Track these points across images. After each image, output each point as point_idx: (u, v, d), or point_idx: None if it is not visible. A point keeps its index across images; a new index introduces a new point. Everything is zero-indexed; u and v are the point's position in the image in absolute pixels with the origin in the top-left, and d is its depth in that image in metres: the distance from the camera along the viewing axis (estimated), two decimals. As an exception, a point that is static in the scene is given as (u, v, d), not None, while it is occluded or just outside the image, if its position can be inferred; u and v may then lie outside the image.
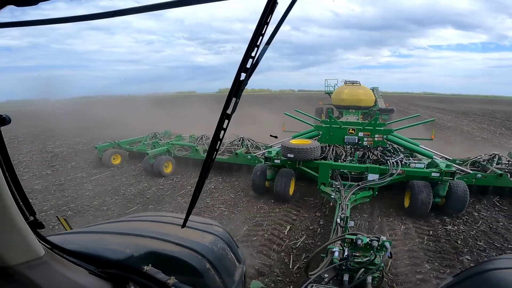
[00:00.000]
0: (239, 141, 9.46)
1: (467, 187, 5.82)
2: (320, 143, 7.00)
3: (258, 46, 0.75)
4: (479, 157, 7.40)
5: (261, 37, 0.74)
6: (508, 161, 7.17)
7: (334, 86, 17.97)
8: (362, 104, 14.51)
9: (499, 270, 1.33)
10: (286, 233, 5.31)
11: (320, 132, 7.40)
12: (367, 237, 2.86)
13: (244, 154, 8.44)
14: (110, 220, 2.53)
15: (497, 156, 7.21)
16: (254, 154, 8.32)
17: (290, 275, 4.19)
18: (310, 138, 7.50)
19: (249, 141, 9.44)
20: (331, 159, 7.10)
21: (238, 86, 0.79)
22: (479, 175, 6.46)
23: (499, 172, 6.44)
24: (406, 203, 6.08)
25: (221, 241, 1.66)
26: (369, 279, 2.64)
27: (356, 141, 7.16)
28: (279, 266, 4.36)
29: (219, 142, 0.90)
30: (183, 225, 1.20)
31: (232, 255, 1.69)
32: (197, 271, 1.38)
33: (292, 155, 6.43)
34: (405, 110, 23.86)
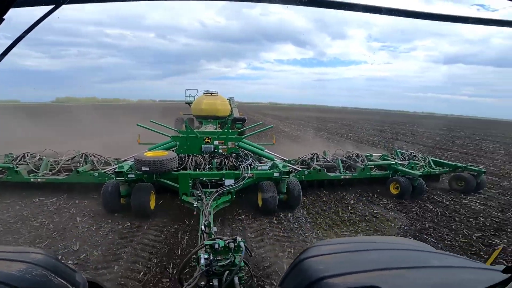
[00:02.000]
0: (81, 157, 8.00)
1: (298, 182, 7.18)
2: (178, 154, 6.91)
3: None
4: (304, 156, 9.36)
5: None
6: (323, 158, 9.48)
7: (194, 96, 18.27)
8: (220, 114, 15.38)
9: (309, 259, 1.48)
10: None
11: (177, 143, 7.33)
12: (225, 240, 3.00)
13: (88, 171, 7.19)
14: None
15: (315, 155, 9.33)
16: (103, 171, 7.24)
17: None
18: (167, 149, 7.28)
19: (94, 156, 8.14)
20: (190, 168, 7.14)
21: None
22: (306, 172, 8.18)
23: (318, 168, 8.40)
24: (260, 202, 6.83)
25: (38, 267, 1.44)
26: (236, 279, 2.76)
27: (213, 149, 7.54)
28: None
29: None
30: None
31: (61, 280, 1.47)
32: None
33: (147, 168, 6.04)
34: (254, 118, 27.08)
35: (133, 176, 6.27)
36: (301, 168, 8.53)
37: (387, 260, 1.36)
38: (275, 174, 6.90)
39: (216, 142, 7.59)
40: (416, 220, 6.88)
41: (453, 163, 9.97)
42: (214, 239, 3.04)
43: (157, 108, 41.94)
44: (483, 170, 9.15)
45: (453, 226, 6.58)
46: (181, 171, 6.55)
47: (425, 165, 9.54)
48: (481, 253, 5.45)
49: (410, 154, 10.21)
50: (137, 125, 8.87)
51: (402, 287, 1.11)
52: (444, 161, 10.46)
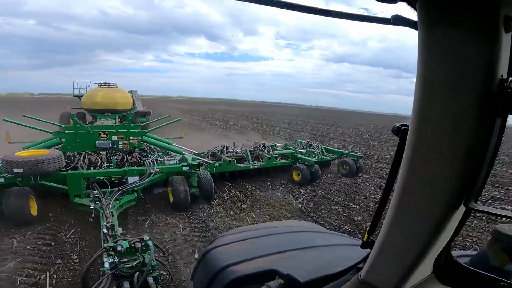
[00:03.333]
0: None
1: (210, 175, 7.17)
2: (65, 152, 5.88)
3: None
4: (214, 148, 9.39)
5: None
6: (233, 149, 9.72)
7: (86, 89, 15.90)
8: (119, 107, 13.93)
9: (214, 250, 1.55)
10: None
11: (63, 140, 6.22)
12: (130, 241, 2.90)
13: None
14: None
15: (225, 147, 9.46)
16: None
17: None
18: (49, 147, 6.09)
19: None
20: (83, 168, 6.19)
21: None
22: (217, 164, 8.23)
23: (228, 159, 8.56)
24: (171, 198, 6.56)
25: None
26: (150, 280, 2.70)
27: (110, 145, 6.73)
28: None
29: None
30: None
31: None
32: None
33: (20, 170, 4.93)
34: (160, 112, 26.09)
35: (2, 180, 5.08)
36: (211, 160, 8.53)
37: (283, 244, 1.49)
38: (184, 168, 6.69)
39: (114, 137, 6.79)
40: (308, 203, 7.88)
41: (339, 150, 11.75)
42: (116, 241, 2.95)
43: (35, 102, 34.95)
44: (360, 155, 11.11)
45: (333, 206, 7.69)
46: (70, 171, 5.63)
47: (319, 152, 10.94)
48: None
49: (307, 143, 11.50)
50: (5, 120, 7.12)
51: (296, 267, 1.22)
52: (333, 148, 12.22)
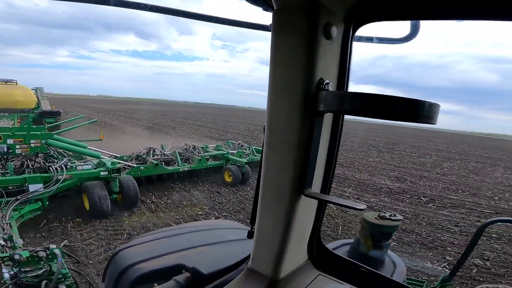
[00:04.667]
0: None
1: (134, 180, 6.67)
2: None
3: None
4: (139, 151, 8.75)
5: None
6: (161, 152, 9.22)
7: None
8: (19, 106, 11.80)
9: (122, 251, 1.54)
10: None
11: None
12: (31, 250, 2.86)
13: None
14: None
15: (152, 149, 8.91)
16: None
17: None
18: None
19: None
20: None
21: None
22: (142, 167, 7.69)
23: (155, 162, 8.08)
24: (87, 205, 5.97)
25: None
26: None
27: (5, 150, 5.68)
28: None
29: None
30: None
31: None
32: None
33: None
34: (73, 112, 23.35)
35: None
36: (136, 164, 7.93)
37: (193, 241, 1.56)
38: (102, 173, 6.08)
39: (10, 141, 5.76)
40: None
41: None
42: (14, 252, 2.88)
43: None
44: None
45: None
46: None
47: (249, 153, 11.21)
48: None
49: (239, 144, 11.67)
50: None
51: (202, 261, 1.31)
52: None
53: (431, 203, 9.41)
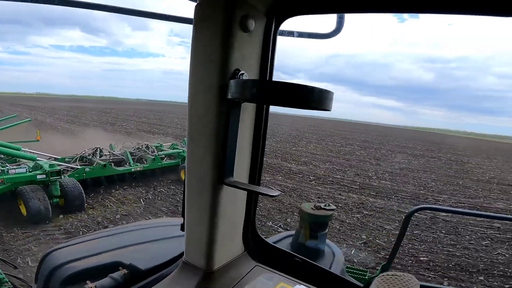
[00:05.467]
0: None
1: (77, 182, 6.16)
2: None
3: None
4: (83, 152, 8.07)
5: None
6: (110, 152, 8.62)
7: None
8: None
9: (54, 251, 1.45)
10: None
11: None
12: None
13: None
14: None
15: (98, 149, 8.29)
16: None
17: None
18: None
19: None
20: None
21: None
22: (88, 169, 7.10)
23: (103, 163, 7.52)
24: (24, 211, 5.46)
25: None
26: None
27: None
28: None
29: None
30: None
31: None
32: None
33: None
34: (5, 112, 20.78)
35: None
36: (81, 165, 7.30)
37: (132, 239, 1.53)
38: (39, 176, 5.51)
39: None
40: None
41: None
42: None
43: None
44: None
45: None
46: None
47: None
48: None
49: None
50: None
51: (140, 257, 1.29)
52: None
53: (314, 181, 10.71)
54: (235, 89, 0.85)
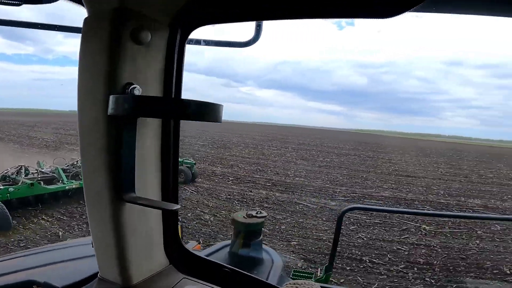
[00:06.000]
0: None
1: (1, 203, 5.75)
2: None
3: None
4: (5, 171, 7.38)
5: None
6: (37, 170, 7.94)
7: None
8: None
9: None
10: None
11: None
12: None
13: None
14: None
15: (23, 168, 7.57)
16: None
17: None
18: None
19: None
20: None
21: None
22: (12, 189, 6.51)
23: (29, 182, 6.94)
24: None
25: None
26: None
27: None
28: None
29: None
30: None
31: None
32: None
33: None
34: None
35: None
36: (3, 185, 6.67)
37: (48, 259, 1.49)
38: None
39: None
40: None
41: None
42: None
43: None
44: (194, 162, 11.28)
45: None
46: None
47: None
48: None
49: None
50: None
51: (55, 275, 1.25)
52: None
53: (232, 181, 11.62)
54: (118, 104, 0.81)
